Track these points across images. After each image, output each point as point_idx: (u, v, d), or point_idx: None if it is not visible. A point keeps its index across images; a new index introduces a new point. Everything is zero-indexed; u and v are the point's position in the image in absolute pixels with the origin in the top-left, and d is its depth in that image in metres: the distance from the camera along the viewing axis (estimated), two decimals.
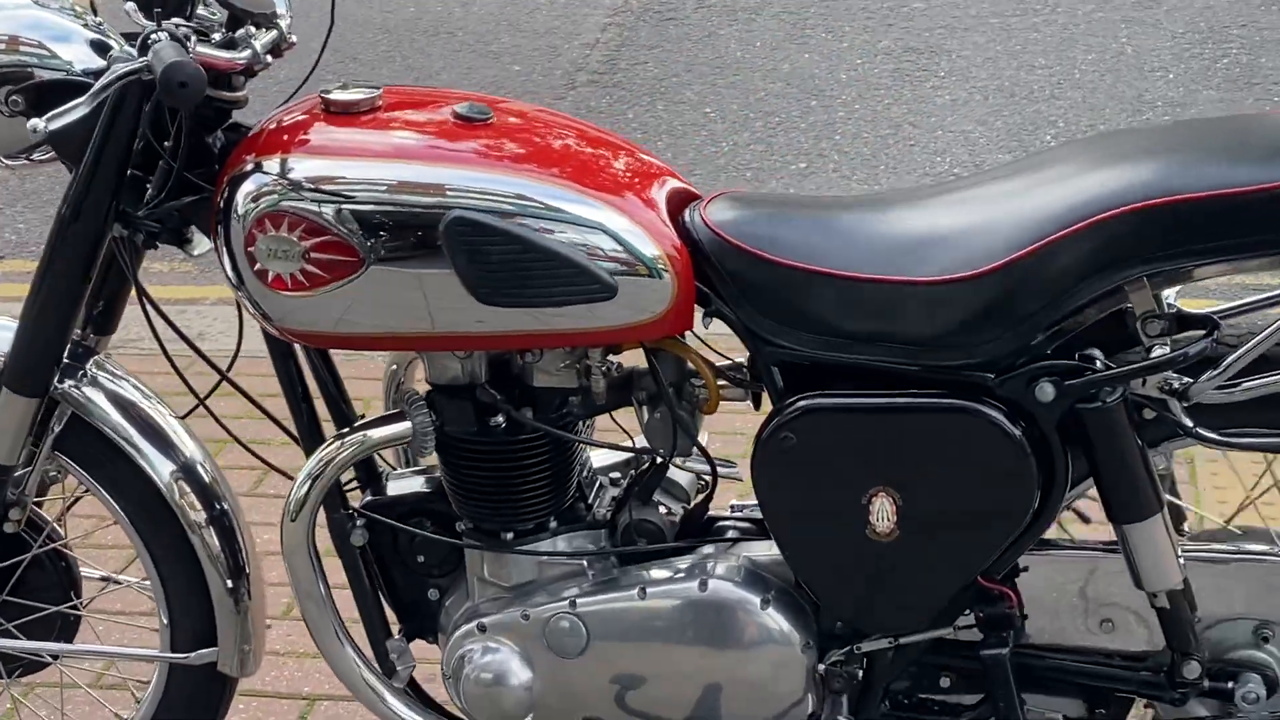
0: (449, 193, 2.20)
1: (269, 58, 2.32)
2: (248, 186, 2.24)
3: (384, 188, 2.21)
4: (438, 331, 2.24)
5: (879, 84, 6.10)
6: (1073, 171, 2.18)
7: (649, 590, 2.33)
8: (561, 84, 6.24)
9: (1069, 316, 2.16)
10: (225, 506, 2.54)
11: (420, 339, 2.27)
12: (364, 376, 3.15)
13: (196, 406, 2.54)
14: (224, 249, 2.27)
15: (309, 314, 2.25)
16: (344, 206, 2.20)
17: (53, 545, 2.61)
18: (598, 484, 2.47)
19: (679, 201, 2.30)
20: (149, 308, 2.50)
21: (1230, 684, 2.28)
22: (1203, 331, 2.14)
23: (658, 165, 2.37)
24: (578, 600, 2.35)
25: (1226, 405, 2.17)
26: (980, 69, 6.16)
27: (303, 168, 2.22)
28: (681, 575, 2.33)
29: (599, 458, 2.50)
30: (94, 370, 2.51)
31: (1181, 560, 2.23)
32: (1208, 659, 2.28)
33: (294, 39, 2.38)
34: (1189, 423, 2.17)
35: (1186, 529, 2.43)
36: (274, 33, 2.33)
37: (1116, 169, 2.15)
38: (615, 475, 2.48)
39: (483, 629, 2.38)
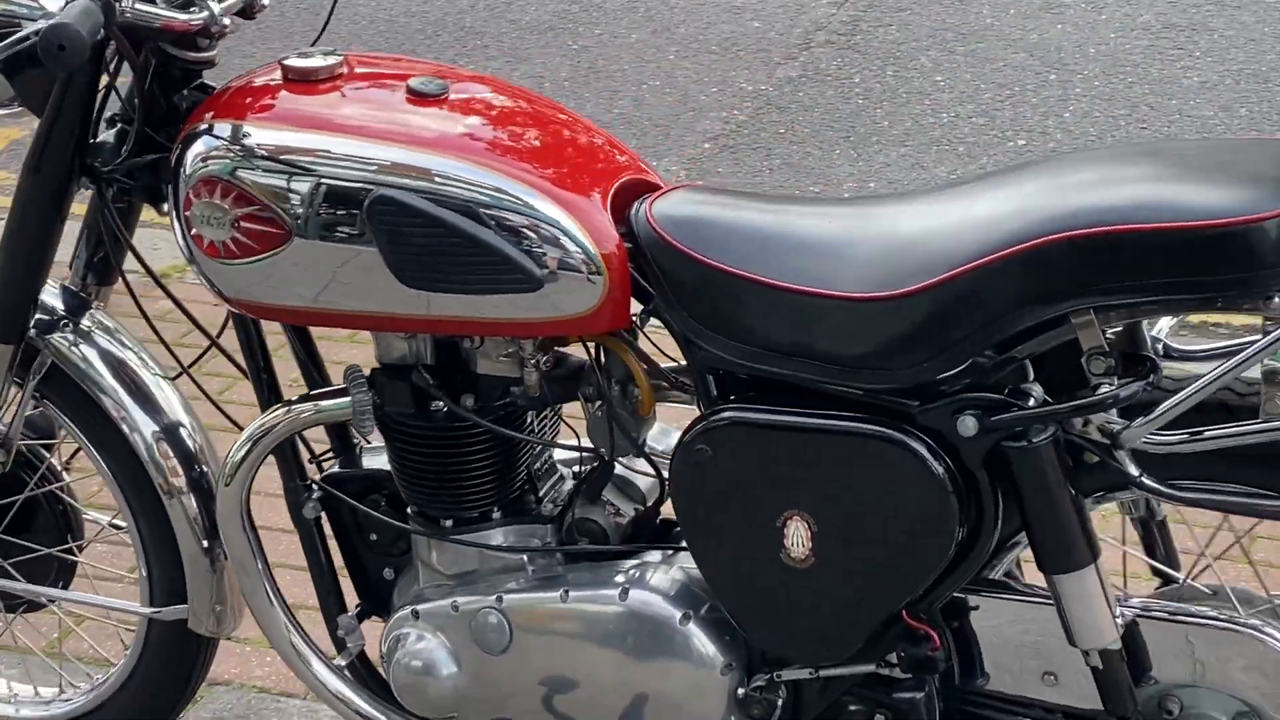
0: (377, 170, 2.15)
1: (229, 20, 2.27)
2: (194, 148, 2.22)
3: (313, 160, 2.17)
4: (363, 311, 2.20)
5: (1127, 60, 5.81)
6: (1024, 192, 2.02)
7: (571, 593, 2.25)
8: (796, 43, 6.11)
9: (1003, 346, 2.00)
10: (206, 469, 2.53)
11: (348, 317, 2.23)
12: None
13: (179, 375, 2.54)
14: (172, 209, 2.25)
15: (240, 283, 2.23)
16: (274, 178, 2.17)
17: (48, 488, 2.64)
18: (556, 476, 2.39)
19: (634, 193, 2.20)
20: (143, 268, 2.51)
21: None
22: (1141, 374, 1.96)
23: (620, 154, 2.27)
24: (505, 597, 2.29)
25: (1184, 455, 1.99)
26: (1240, 50, 5.83)
27: (241, 135, 2.20)
28: (605, 581, 2.25)
29: (564, 451, 2.42)
30: (86, 323, 2.53)
31: (1121, 617, 2.05)
32: None
33: (266, 1, 2.33)
34: (1134, 471, 2.00)
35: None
36: None
37: (1067, 192, 1.98)
38: (576, 470, 2.40)
39: (416, 615, 2.34)
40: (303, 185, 2.16)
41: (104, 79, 2.35)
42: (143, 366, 2.55)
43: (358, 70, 2.29)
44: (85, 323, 2.53)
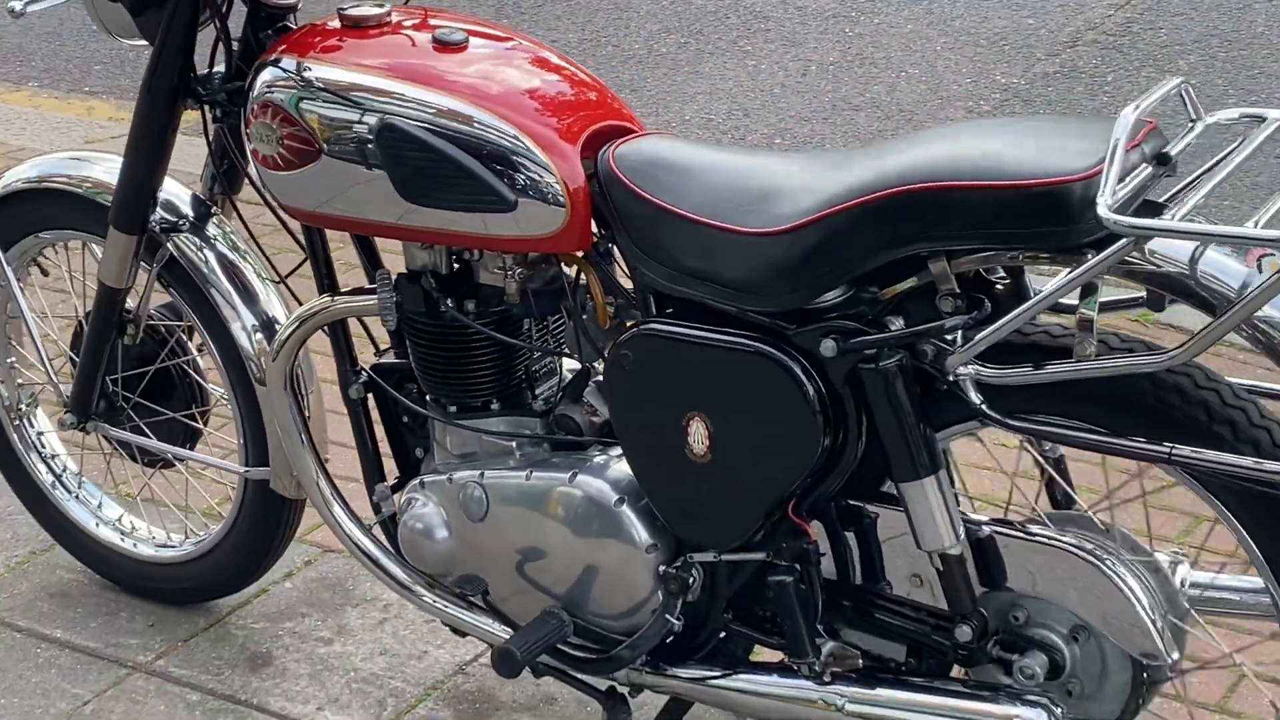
0: (390, 102, 2.56)
1: None
2: (260, 77, 2.68)
3: (343, 92, 2.59)
4: (374, 220, 2.62)
5: None
6: (892, 151, 2.32)
7: (534, 474, 2.64)
8: (1064, 41, 6.31)
9: (865, 282, 2.32)
10: (299, 366, 2.97)
11: (362, 224, 2.66)
12: None
13: (283, 280, 2.99)
14: (241, 126, 2.73)
15: (282, 190, 2.69)
16: (309, 104, 2.61)
17: (175, 361, 3.15)
18: (555, 379, 2.78)
19: (611, 137, 2.57)
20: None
21: (1015, 656, 2.38)
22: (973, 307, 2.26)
23: (607, 106, 2.63)
24: (486, 473, 2.69)
25: (1027, 391, 2.27)
26: None
27: (290, 68, 2.64)
28: (561, 466, 2.63)
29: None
30: (206, 226, 3.02)
31: (961, 529, 2.34)
32: (1002, 628, 2.39)
33: None
34: (975, 399, 2.29)
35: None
36: None
37: (917, 152, 2.28)
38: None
39: (422, 485, 2.76)
40: (330, 111, 2.59)
41: (214, 20, 2.81)
42: (250, 269, 3.02)
43: (400, 21, 2.71)
44: (205, 226, 3.02)
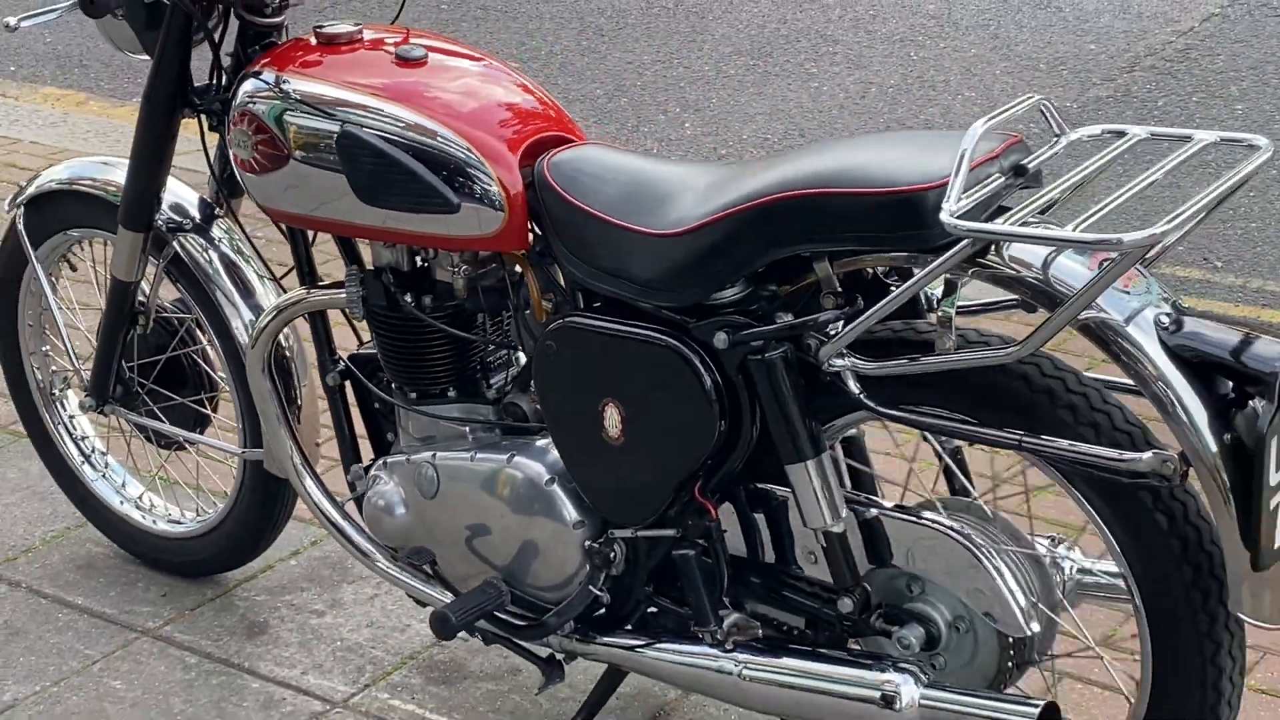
0: (349, 112, 2.81)
1: None
2: (241, 88, 2.95)
3: (308, 102, 2.85)
4: (335, 219, 2.88)
5: None
6: (787, 159, 2.54)
7: (477, 455, 2.88)
8: (1121, 66, 6.45)
9: (757, 281, 2.53)
10: (288, 355, 3.24)
11: (330, 224, 2.91)
12: None
13: (277, 280, 3.26)
14: (226, 132, 3.00)
15: (258, 191, 2.95)
16: (279, 113, 2.87)
17: (185, 351, 3.43)
18: (510, 370, 3.02)
19: (553, 146, 2.80)
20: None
21: (895, 628, 2.58)
22: (841, 304, 2.47)
23: (553, 119, 2.85)
24: (438, 454, 2.93)
25: (904, 383, 2.48)
26: None
27: (269, 80, 2.91)
28: (501, 449, 2.86)
29: None
30: (210, 227, 3.29)
31: (843, 509, 2.54)
32: (885, 603, 2.59)
33: None
34: (855, 390, 2.50)
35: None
36: None
37: (807, 161, 2.49)
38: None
39: (385, 465, 3.01)
40: (297, 120, 2.85)
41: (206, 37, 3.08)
42: (248, 267, 3.28)
43: (368, 38, 2.97)
44: (209, 227, 3.29)
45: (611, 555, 2.75)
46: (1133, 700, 2.52)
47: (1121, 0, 7.13)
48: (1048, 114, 2.45)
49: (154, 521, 3.59)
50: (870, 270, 2.55)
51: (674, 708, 3.13)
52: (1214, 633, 2.41)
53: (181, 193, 3.29)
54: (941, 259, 2.30)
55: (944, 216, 2.24)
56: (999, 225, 2.24)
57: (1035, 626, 2.49)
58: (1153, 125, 2.47)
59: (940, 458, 2.71)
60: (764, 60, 6.75)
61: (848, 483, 2.73)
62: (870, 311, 2.38)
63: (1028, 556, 2.54)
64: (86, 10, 2.86)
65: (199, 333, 3.41)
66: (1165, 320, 2.31)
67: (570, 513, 2.77)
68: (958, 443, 2.72)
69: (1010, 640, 2.52)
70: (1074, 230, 2.19)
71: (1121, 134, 2.42)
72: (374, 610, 3.44)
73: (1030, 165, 2.38)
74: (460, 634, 2.89)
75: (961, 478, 2.72)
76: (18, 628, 3.46)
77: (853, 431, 2.72)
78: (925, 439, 2.72)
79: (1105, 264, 2.22)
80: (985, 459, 2.77)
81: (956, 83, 6.43)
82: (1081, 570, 2.64)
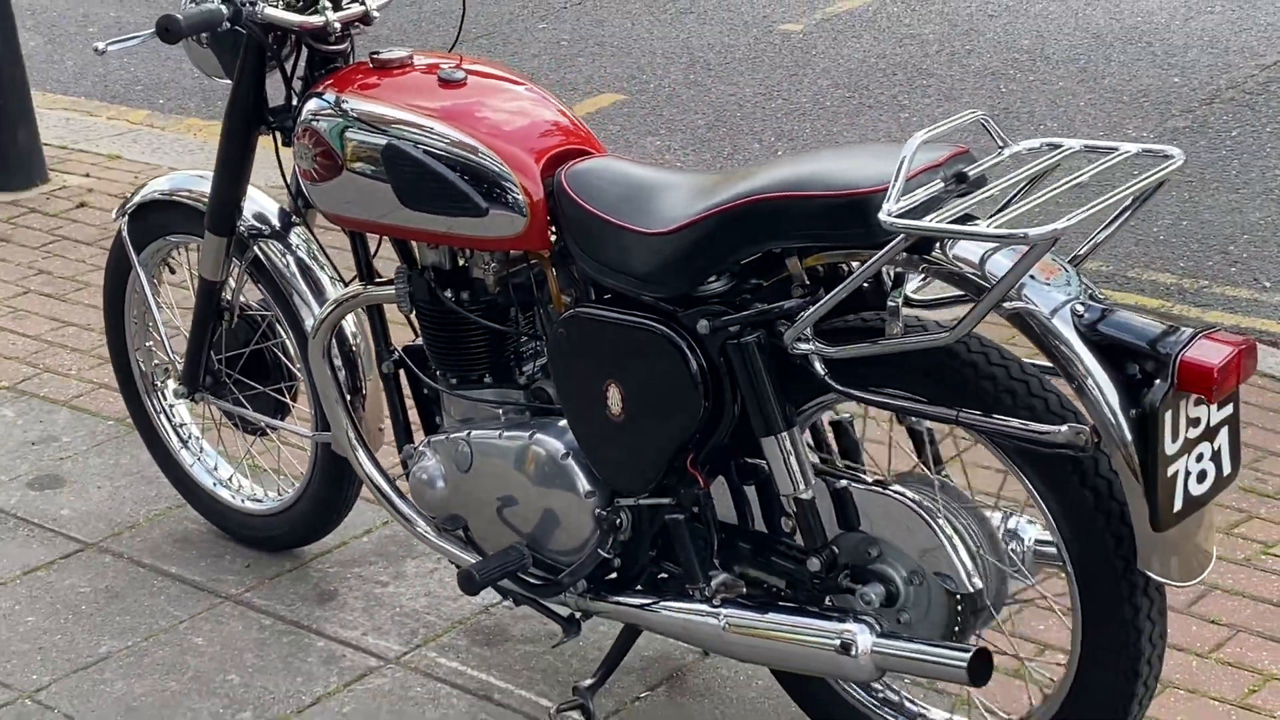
0: (393, 127, 3.19)
1: (338, 25, 3.34)
2: (305, 107, 3.34)
3: (359, 119, 3.23)
4: (383, 222, 3.25)
5: None
6: (764, 167, 2.87)
7: (504, 434, 3.24)
8: (1202, 98, 6.68)
9: (738, 275, 2.87)
10: (353, 346, 3.62)
11: (378, 225, 3.28)
12: None
13: (351, 280, 3.63)
14: (293, 147, 3.39)
15: (318, 198, 3.34)
16: (335, 128, 3.25)
17: (267, 344, 3.82)
18: (541, 359, 3.36)
19: (573, 158, 3.16)
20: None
21: (859, 586, 2.90)
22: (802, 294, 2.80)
23: (575, 133, 3.19)
24: (472, 433, 3.29)
25: (867, 366, 2.80)
26: None
27: (327, 99, 3.29)
28: (527, 428, 3.21)
29: None
30: (290, 233, 3.68)
31: (812, 478, 2.87)
32: (849, 563, 2.91)
33: (376, 15, 3.41)
34: (821, 372, 2.83)
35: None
36: (358, 7, 3.38)
37: (779, 169, 2.83)
38: None
39: (429, 444, 3.38)
40: (348, 134, 3.23)
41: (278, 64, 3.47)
42: (320, 269, 3.67)
43: (418, 63, 3.34)
44: (287, 233, 3.68)
45: (618, 522, 3.09)
46: (1069, 655, 2.81)
47: (1210, 36, 7.35)
48: (989, 128, 2.76)
49: (241, 500, 3.98)
50: (846, 266, 2.86)
51: (690, 669, 3.46)
52: (1134, 598, 2.70)
53: (262, 202, 3.68)
54: (880, 253, 2.61)
55: (881, 215, 2.56)
56: (925, 222, 2.55)
57: (978, 583, 2.79)
58: (1025, 140, 2.77)
59: (912, 435, 3.02)
60: (859, 93, 7.06)
61: (838, 461, 3.04)
62: (824, 300, 2.71)
63: (978, 522, 2.84)
64: (163, 37, 3.26)
65: (279, 328, 3.79)
66: (1081, 309, 2.60)
67: (583, 484, 3.11)
68: (929, 424, 3.02)
69: (959, 596, 2.82)
70: (989, 227, 2.50)
71: (1058, 146, 2.71)
72: (432, 582, 3.80)
73: (971, 173, 2.68)
74: (505, 602, 3.24)
75: (909, 453, 3.01)
76: (117, 592, 3.86)
77: (841, 416, 3.04)
78: (899, 420, 3.02)
79: (1038, 258, 2.52)
80: (973, 445, 3.05)
81: (1041, 114, 6.69)
82: (1039, 540, 2.92)
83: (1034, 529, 2.92)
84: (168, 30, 3.21)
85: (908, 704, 3.14)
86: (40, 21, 8.56)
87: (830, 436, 3.10)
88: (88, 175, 6.51)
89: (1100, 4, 7.96)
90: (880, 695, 3.14)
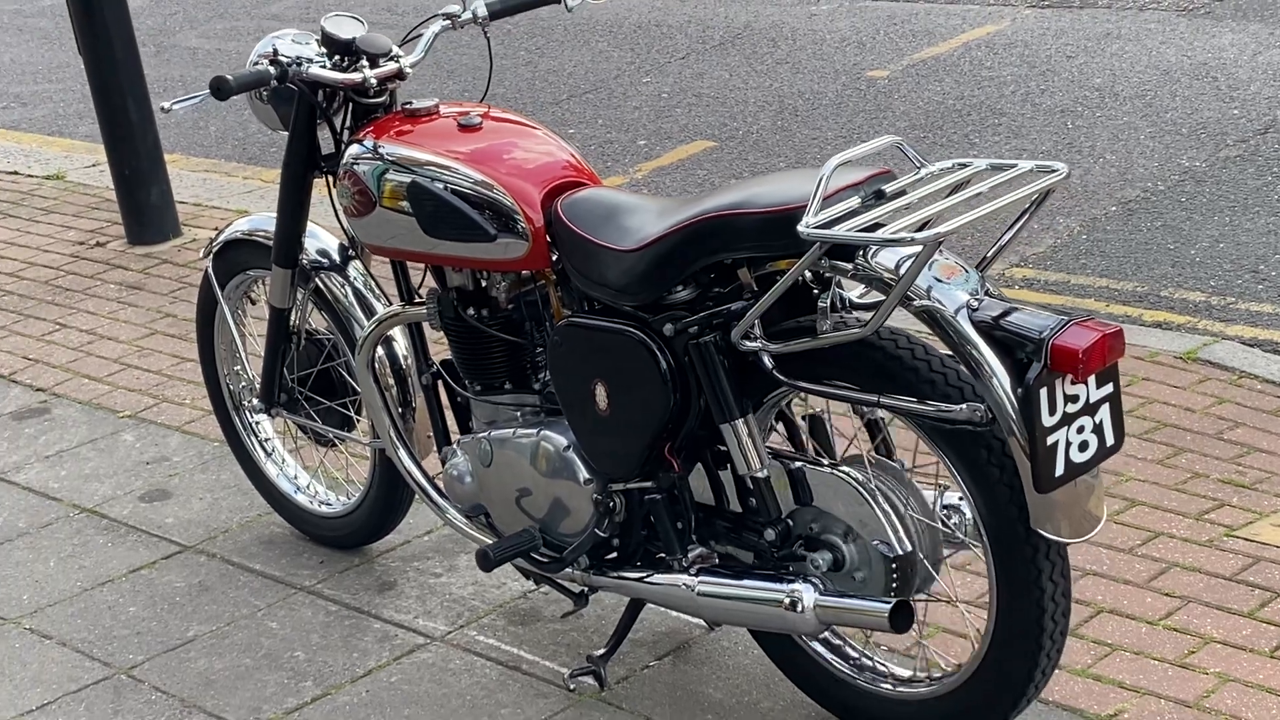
0: (417, 167, 3.69)
1: (375, 81, 3.84)
2: (347, 152, 3.85)
3: (389, 161, 3.73)
4: (411, 250, 3.75)
5: None
6: (717, 191, 3.33)
7: (518, 432, 3.71)
8: (1257, 129, 7.00)
9: (701, 285, 3.30)
10: (405, 366, 4.11)
11: (407, 253, 3.78)
12: None
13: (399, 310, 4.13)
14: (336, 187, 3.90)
15: (358, 231, 3.85)
16: (369, 170, 3.76)
17: (332, 364, 4.34)
18: None
19: (572, 189, 3.63)
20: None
21: (811, 553, 3.34)
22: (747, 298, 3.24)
23: (575, 168, 3.67)
24: (491, 432, 3.78)
25: (813, 361, 3.23)
26: None
27: (365, 144, 3.80)
28: (536, 426, 3.68)
29: None
30: (349, 266, 4.20)
31: (767, 460, 3.30)
32: (806, 534, 3.34)
33: (409, 71, 3.91)
34: (769, 364, 3.27)
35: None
36: (393, 65, 3.89)
37: (728, 192, 3.27)
38: None
39: (459, 444, 3.87)
40: (383, 175, 3.73)
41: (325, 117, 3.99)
42: (373, 297, 4.17)
43: (444, 111, 3.84)
44: (346, 266, 4.19)
45: (612, 505, 3.54)
46: (987, 609, 3.22)
47: (1275, 69, 7.66)
48: (905, 151, 3.19)
49: (316, 505, 4.49)
50: (800, 278, 3.30)
51: (695, 641, 3.90)
52: (1036, 560, 3.10)
53: (324, 238, 4.19)
54: (802, 261, 3.05)
55: (800, 226, 3.00)
56: (835, 231, 2.99)
57: (909, 546, 3.21)
58: (938, 161, 3.19)
59: (868, 426, 3.44)
60: (933, 132, 7.46)
61: (808, 445, 3.47)
62: (759, 302, 3.15)
63: (914, 496, 3.25)
64: (216, 95, 3.77)
65: (341, 348, 4.29)
66: (975, 303, 3.02)
67: (582, 473, 3.57)
68: (881, 415, 3.44)
69: (893, 558, 3.23)
70: (884, 234, 2.93)
71: (966, 165, 3.14)
72: (480, 574, 4.28)
73: (889, 189, 3.11)
74: (529, 584, 3.71)
75: (840, 438, 3.43)
76: (207, 586, 4.39)
77: (815, 410, 3.46)
78: (854, 411, 3.44)
79: (926, 259, 2.93)
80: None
81: (1102, 147, 7.05)
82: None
83: (949, 496, 3.31)
84: (219, 89, 3.72)
85: (879, 666, 3.54)
86: (190, 90, 9.21)
87: (805, 429, 3.52)
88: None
89: (1174, 42, 8.29)
90: (855, 661, 3.54)
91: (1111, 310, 5.59)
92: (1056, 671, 3.55)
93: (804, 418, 3.53)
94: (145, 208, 6.97)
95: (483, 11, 3.94)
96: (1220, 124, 7.12)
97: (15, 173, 8.22)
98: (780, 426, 3.50)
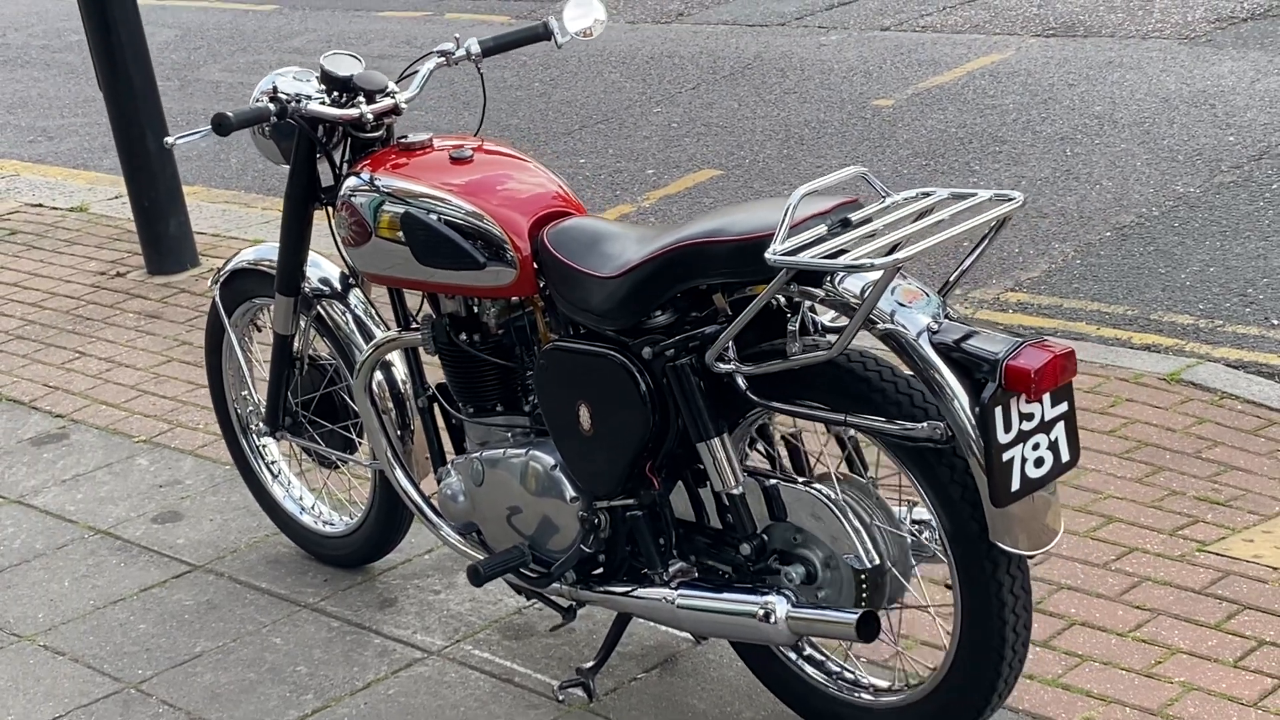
0: (410, 198, 3.85)
1: (372, 116, 4.00)
2: (345, 184, 4.01)
3: (385, 193, 3.89)
4: (405, 278, 3.91)
5: None
6: (693, 220, 3.48)
7: (507, 451, 3.87)
8: (1251, 155, 7.12)
9: (679, 309, 3.45)
10: (403, 390, 4.27)
11: (401, 280, 3.94)
12: None
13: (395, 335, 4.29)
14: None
15: (355, 260, 4.01)
16: (365, 201, 3.92)
17: (334, 388, 4.50)
18: None
19: (557, 218, 3.78)
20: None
21: (785, 567, 3.48)
22: (719, 322, 3.39)
23: (561, 199, 3.82)
24: (483, 452, 3.93)
25: (784, 380, 3.37)
26: None
27: (363, 177, 3.96)
28: (525, 446, 3.83)
29: None
30: (350, 294, 4.35)
31: (741, 477, 3.44)
32: (780, 548, 3.48)
33: (405, 107, 4.07)
34: (743, 385, 3.42)
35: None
36: (389, 101, 4.05)
37: (703, 221, 3.42)
38: None
39: (452, 464, 4.02)
40: (378, 207, 3.89)
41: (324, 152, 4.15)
42: (372, 324, 4.33)
43: (437, 145, 4.00)
44: (347, 294, 4.35)
45: (597, 522, 3.69)
46: (953, 620, 3.35)
47: (1272, 96, 7.79)
48: (870, 181, 3.33)
49: (319, 525, 4.65)
50: (774, 302, 3.44)
51: (682, 654, 4.04)
52: (997, 573, 3.23)
53: (325, 266, 4.35)
54: (771, 286, 3.20)
55: (766, 254, 3.14)
56: (800, 258, 3.13)
57: (875, 559, 3.34)
58: (904, 191, 3.33)
59: (839, 443, 3.58)
60: (935, 159, 7.60)
61: (783, 462, 3.61)
62: (730, 326, 3.29)
63: (882, 512, 3.39)
64: (217, 130, 3.93)
65: (343, 373, 4.45)
66: (935, 326, 3.16)
67: (569, 491, 3.72)
68: (853, 433, 3.57)
69: (862, 571, 3.37)
70: (844, 260, 3.07)
71: (929, 194, 3.28)
72: (478, 590, 4.43)
73: (855, 218, 3.26)
74: (520, 599, 3.85)
75: (859, 463, 3.57)
76: (215, 604, 4.54)
77: (792, 430, 3.60)
78: (827, 430, 3.58)
79: (886, 284, 3.07)
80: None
81: (1099, 174, 7.19)
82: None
83: (919, 510, 3.44)
84: (221, 125, 3.88)
85: (858, 676, 3.67)
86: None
87: (782, 449, 3.66)
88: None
89: (1175, 70, 8.43)
90: (835, 674, 3.68)
91: (1102, 333, 5.72)
92: (1027, 681, 3.69)
93: (783, 437, 3.66)
94: (164, 238, 7.14)
95: (476, 49, 4.10)
96: (1216, 150, 7.25)
97: (40, 205, 8.42)
98: (760, 445, 3.63)
